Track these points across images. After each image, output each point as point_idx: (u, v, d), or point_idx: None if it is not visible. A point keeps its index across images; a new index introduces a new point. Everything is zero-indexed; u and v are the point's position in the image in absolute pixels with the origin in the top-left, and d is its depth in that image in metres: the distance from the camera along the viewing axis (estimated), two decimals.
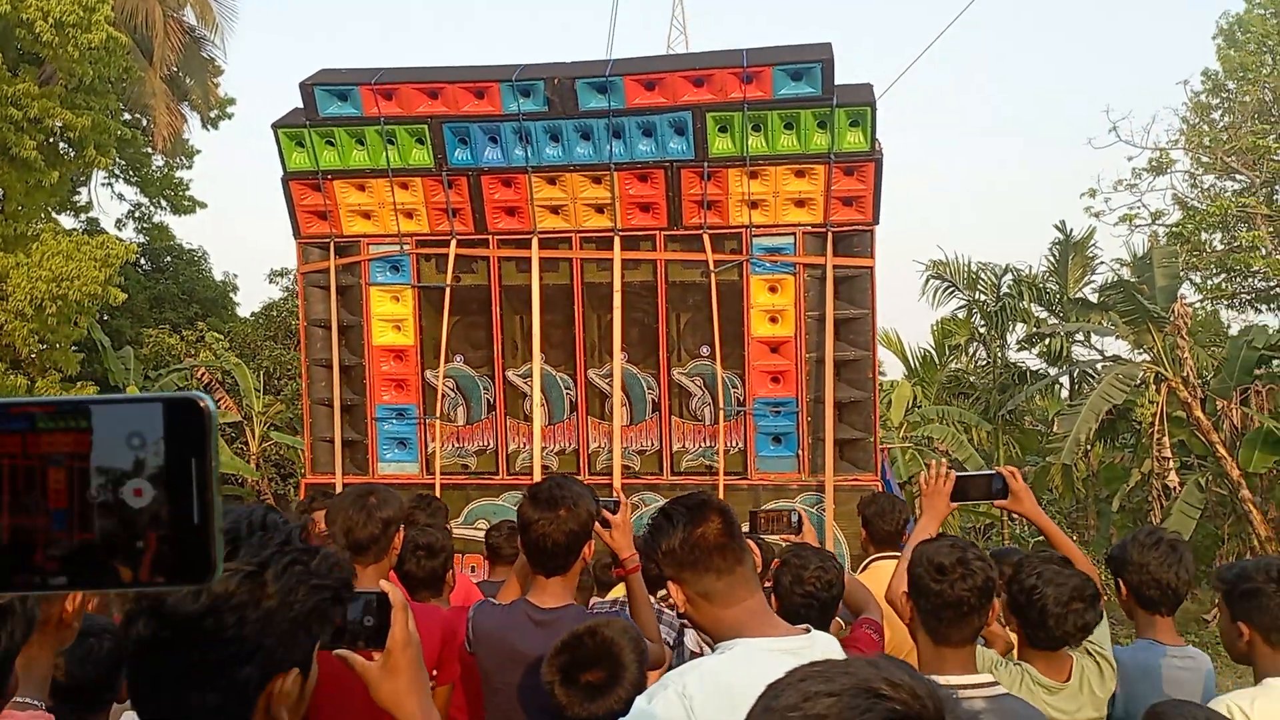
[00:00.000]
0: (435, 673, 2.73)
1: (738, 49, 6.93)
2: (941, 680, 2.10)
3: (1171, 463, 14.67)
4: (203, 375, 19.08)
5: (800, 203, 6.93)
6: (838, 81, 6.68)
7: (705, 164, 6.77)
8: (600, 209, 7.01)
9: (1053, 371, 18.60)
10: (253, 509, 1.17)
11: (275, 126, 7.00)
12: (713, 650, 1.88)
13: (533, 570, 2.48)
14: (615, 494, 2.84)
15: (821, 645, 1.91)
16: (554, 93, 6.72)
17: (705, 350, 7.17)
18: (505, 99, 6.76)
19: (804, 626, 1.95)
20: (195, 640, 1.07)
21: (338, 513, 2.62)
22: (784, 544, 3.19)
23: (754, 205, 6.93)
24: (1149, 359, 15.20)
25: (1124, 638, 3.89)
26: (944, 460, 3.20)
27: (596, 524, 2.68)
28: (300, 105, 6.99)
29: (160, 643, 1.07)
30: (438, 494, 7.18)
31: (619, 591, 3.75)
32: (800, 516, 3.30)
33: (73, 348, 17.00)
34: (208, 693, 1.09)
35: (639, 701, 1.78)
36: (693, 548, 1.85)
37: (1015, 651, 2.80)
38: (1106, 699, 2.67)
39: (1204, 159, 19.59)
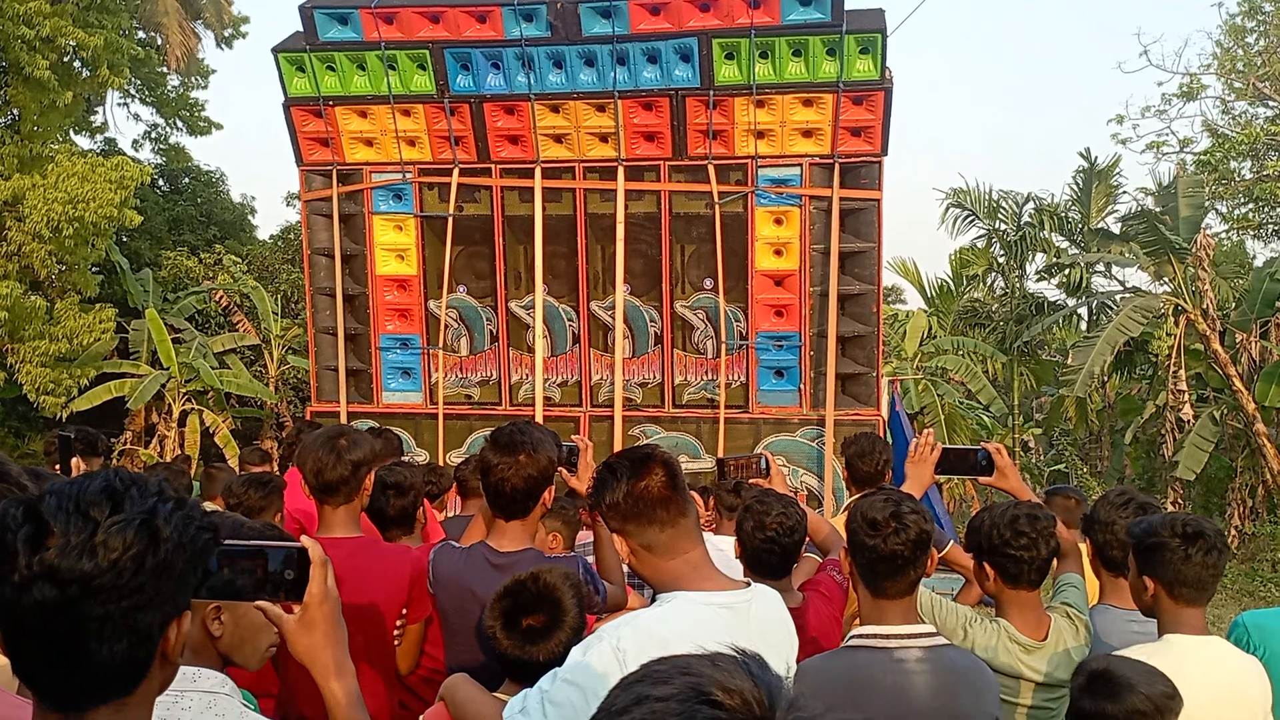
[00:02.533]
0: (405, 611, 2.77)
1: None
2: (881, 630, 2.13)
3: (1187, 395, 14.56)
4: (221, 298, 19.19)
5: (807, 133, 6.81)
6: (848, 6, 6.51)
7: (711, 92, 6.65)
8: (604, 138, 6.92)
9: (1071, 302, 18.38)
10: (115, 470, 1.20)
11: (275, 51, 6.91)
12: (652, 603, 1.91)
13: (493, 513, 2.51)
14: (575, 440, 2.84)
15: (761, 599, 1.92)
16: (557, 17, 6.59)
17: (709, 283, 7.13)
18: (507, 23, 6.64)
19: (744, 580, 1.96)
20: (96, 595, 1.09)
21: (307, 455, 2.64)
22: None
23: (760, 135, 6.82)
24: (1169, 291, 15.00)
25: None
26: (930, 431, 3.18)
27: (562, 469, 2.70)
28: (300, 29, 6.89)
29: (61, 605, 1.09)
30: (440, 424, 7.28)
31: None
32: (768, 461, 3.30)
33: (91, 269, 17.10)
34: (114, 644, 1.11)
35: (574, 653, 1.80)
36: (636, 500, 1.85)
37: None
38: (1079, 661, 2.68)
39: (1236, 84, 19.05)
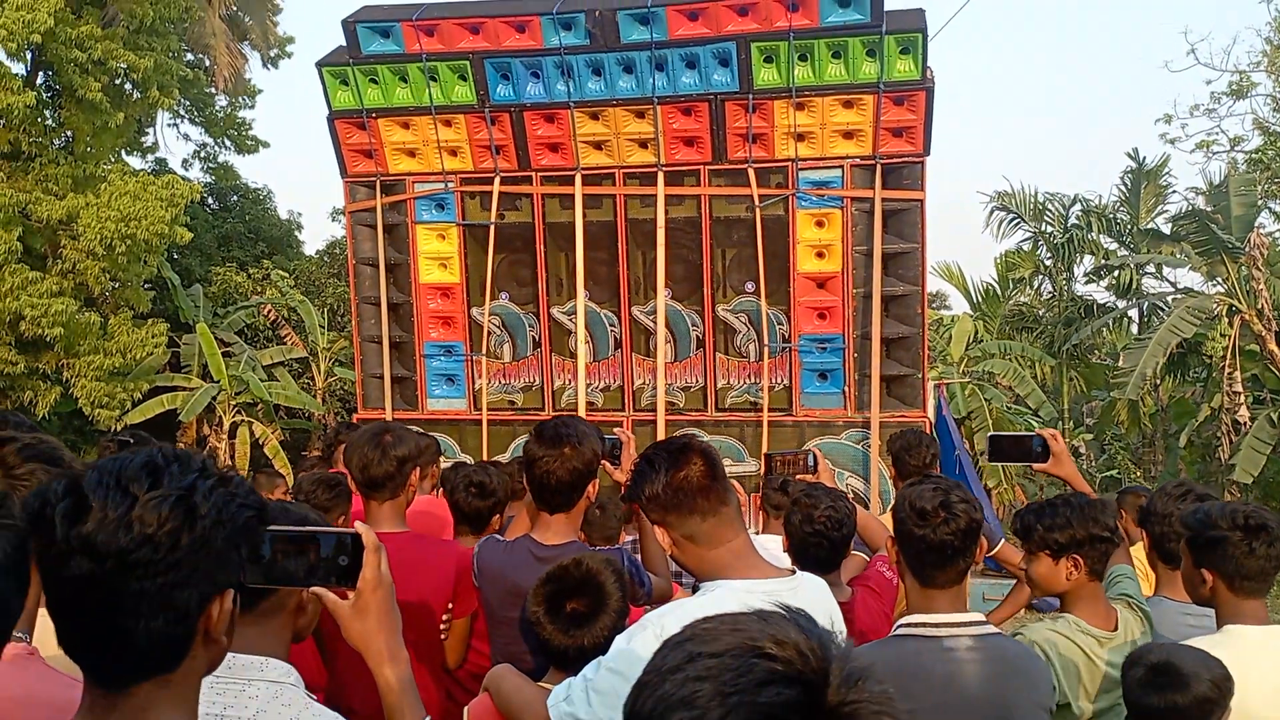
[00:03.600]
0: (451, 605, 2.79)
1: None
2: (930, 619, 2.10)
3: (1243, 397, 14.27)
4: (269, 312, 19.48)
5: (848, 134, 6.77)
6: (887, 7, 6.48)
7: (750, 96, 6.64)
8: (644, 144, 6.94)
9: (1121, 304, 18.08)
10: (161, 447, 1.20)
11: (319, 65, 7.01)
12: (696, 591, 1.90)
13: (537, 507, 2.52)
14: (618, 433, 2.85)
15: (807, 587, 1.91)
16: (595, 25, 6.62)
17: (750, 286, 7.10)
18: (546, 33, 6.68)
19: (789, 568, 1.95)
20: (133, 570, 1.10)
21: (354, 451, 2.67)
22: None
23: (800, 138, 6.80)
24: (1222, 291, 14.71)
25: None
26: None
27: (606, 462, 2.70)
28: (344, 43, 6.99)
29: (98, 579, 1.10)
30: (484, 429, 7.32)
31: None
32: (816, 457, 3.28)
33: (144, 285, 17.44)
34: (151, 620, 1.12)
35: (619, 640, 1.80)
36: (676, 491, 1.85)
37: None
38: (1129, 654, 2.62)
39: None
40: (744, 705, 0.78)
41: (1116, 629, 2.57)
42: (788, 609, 0.87)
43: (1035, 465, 2.93)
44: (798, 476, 3.34)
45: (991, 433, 2.99)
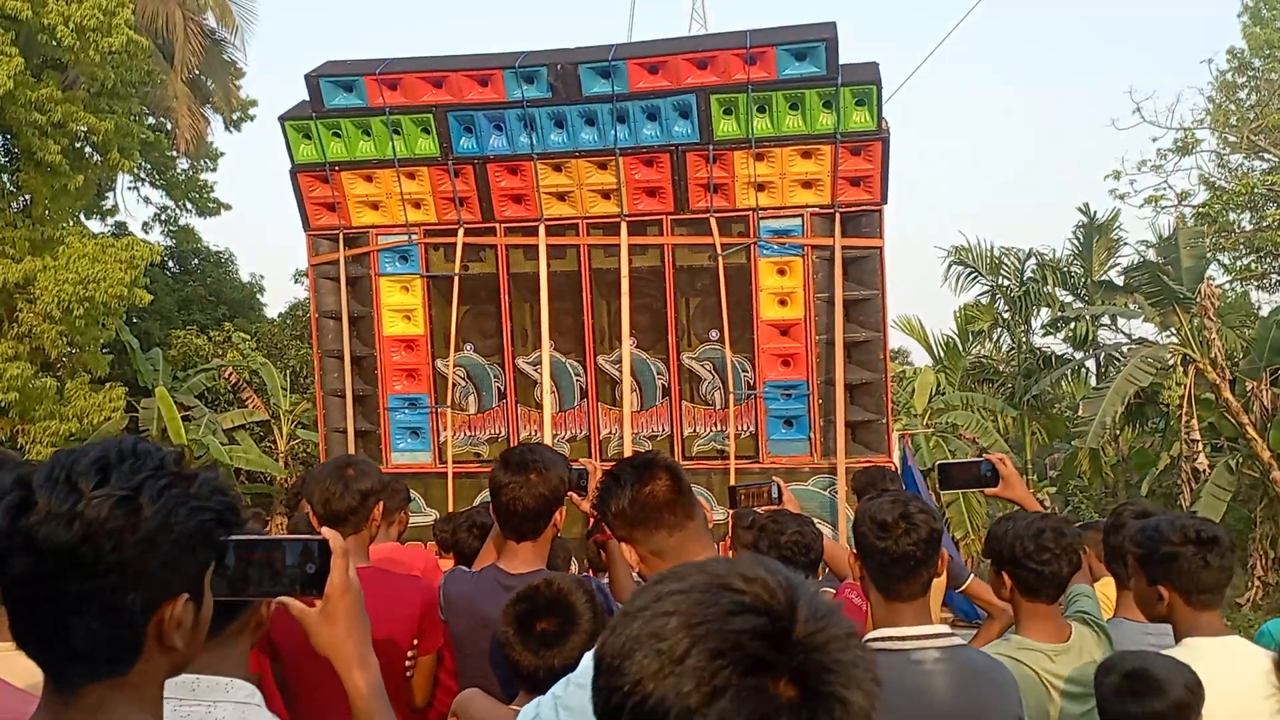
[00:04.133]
0: (417, 642, 2.74)
1: (741, 30, 6.91)
2: (895, 632, 2.09)
3: (1201, 445, 14.48)
4: (230, 375, 19.29)
5: (807, 184, 6.88)
6: (843, 61, 6.63)
7: (710, 147, 6.74)
8: (606, 195, 7.00)
9: (1078, 356, 18.38)
10: (122, 439, 1.18)
11: (282, 119, 7.05)
12: None
13: (503, 535, 2.49)
14: (584, 463, 2.84)
15: None
16: (557, 78, 6.72)
17: (714, 334, 7.14)
18: (509, 86, 6.76)
19: None
20: (73, 570, 1.07)
21: (316, 484, 2.63)
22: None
23: (760, 188, 6.90)
24: (1176, 341, 15.00)
25: None
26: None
27: (573, 494, 2.69)
28: (307, 98, 7.03)
29: (40, 576, 1.07)
30: (450, 482, 7.25)
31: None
32: (780, 487, 3.29)
33: (102, 349, 17.23)
34: (93, 621, 1.09)
35: (587, 658, 1.78)
36: (642, 506, 1.84)
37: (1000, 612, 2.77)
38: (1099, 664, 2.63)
39: (1230, 138, 19.27)
40: (712, 634, 0.78)
41: (1069, 640, 2.58)
42: (758, 558, 0.87)
43: (986, 490, 2.95)
44: (763, 509, 3.35)
45: (940, 461, 3.00)
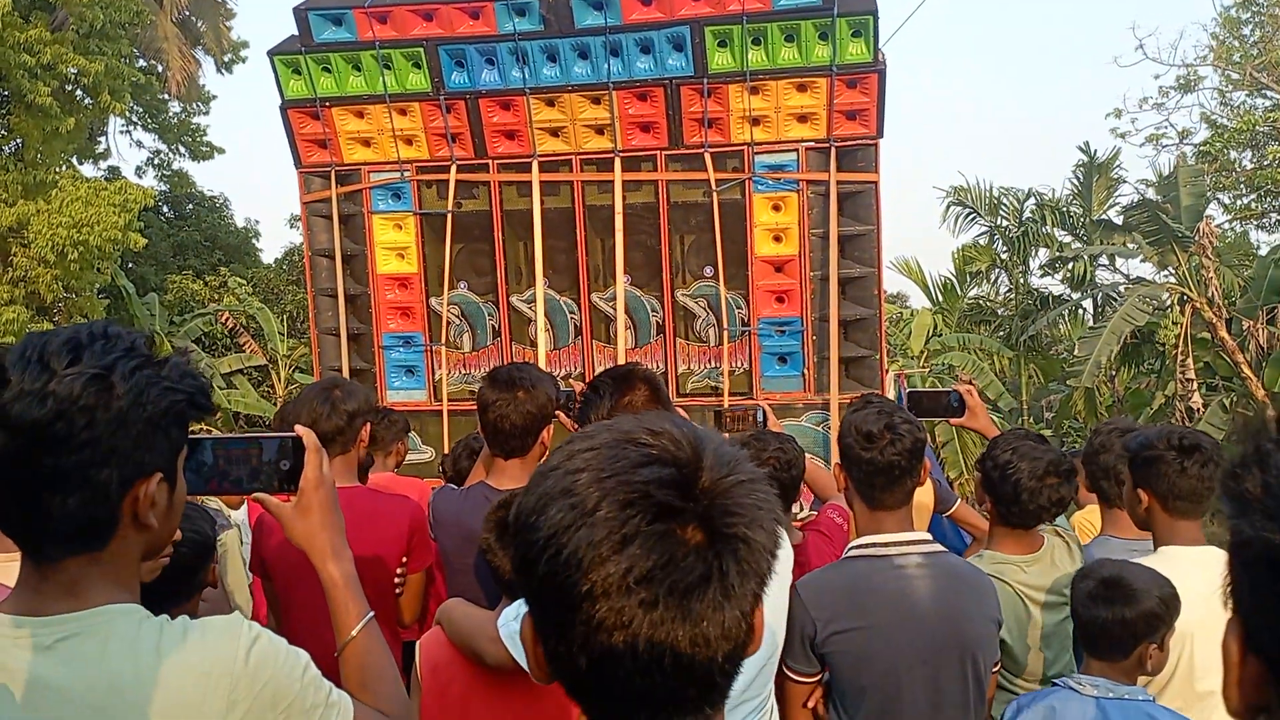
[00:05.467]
0: (406, 560, 2.77)
1: None
2: (879, 539, 2.12)
3: (1195, 385, 14.52)
4: (227, 320, 19.28)
5: (802, 118, 6.81)
6: None
7: (705, 80, 6.66)
8: (600, 130, 6.94)
9: (1076, 296, 18.36)
10: (93, 323, 1.19)
11: (271, 54, 6.95)
12: None
13: (491, 452, 2.51)
14: (573, 383, 2.86)
15: None
16: (549, 11, 6.62)
17: (709, 271, 7.12)
18: (500, 19, 6.66)
19: None
20: (47, 446, 1.08)
21: (303, 406, 2.64)
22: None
23: (755, 122, 6.83)
24: (1173, 280, 14.98)
25: None
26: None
27: (561, 413, 2.70)
28: (296, 32, 6.93)
29: (15, 453, 1.08)
30: (445, 420, 7.28)
31: None
32: (765, 412, 3.32)
33: (98, 294, 17.19)
34: (67, 497, 1.10)
35: None
36: (622, 415, 1.85)
37: (985, 536, 2.80)
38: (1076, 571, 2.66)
39: (1233, 75, 19.06)
40: (621, 486, 0.80)
41: (1040, 550, 2.62)
42: (664, 414, 0.89)
43: (952, 420, 3.02)
44: (748, 432, 3.37)
45: (909, 389, 3.09)
